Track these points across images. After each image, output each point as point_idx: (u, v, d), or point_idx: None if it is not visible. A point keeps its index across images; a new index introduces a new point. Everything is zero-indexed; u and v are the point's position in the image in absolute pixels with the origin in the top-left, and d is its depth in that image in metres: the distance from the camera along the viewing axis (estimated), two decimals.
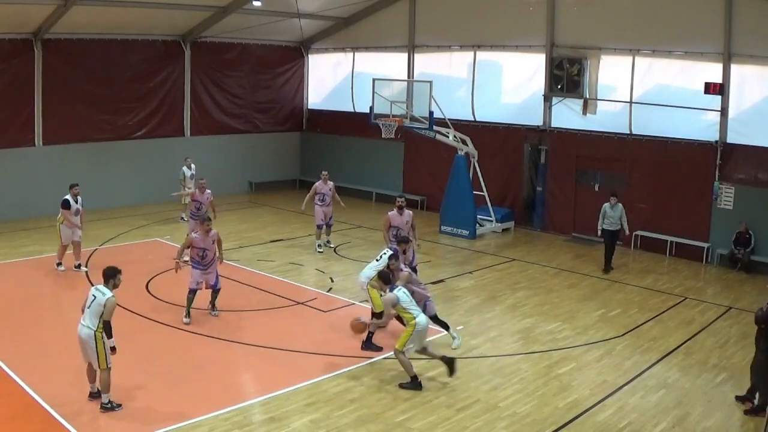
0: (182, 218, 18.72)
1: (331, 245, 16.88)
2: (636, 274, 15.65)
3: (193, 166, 19.20)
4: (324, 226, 16.48)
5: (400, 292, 9.59)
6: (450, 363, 9.60)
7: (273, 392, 9.20)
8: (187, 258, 12.33)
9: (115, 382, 9.33)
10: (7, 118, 18.68)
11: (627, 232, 15.85)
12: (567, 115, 19.16)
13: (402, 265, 10.74)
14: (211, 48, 22.78)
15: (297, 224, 18.73)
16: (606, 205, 15.72)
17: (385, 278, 9.76)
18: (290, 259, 15.55)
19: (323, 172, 16.71)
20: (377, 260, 11.20)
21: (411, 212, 13.55)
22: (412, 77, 21.89)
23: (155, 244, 16.67)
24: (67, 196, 14.26)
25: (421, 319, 9.53)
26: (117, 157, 20.70)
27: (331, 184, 16.57)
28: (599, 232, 15.95)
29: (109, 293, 8.39)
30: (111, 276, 8.52)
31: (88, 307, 8.44)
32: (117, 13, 18.75)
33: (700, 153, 16.87)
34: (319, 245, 16.48)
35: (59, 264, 14.36)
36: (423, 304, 10.37)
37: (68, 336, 11.20)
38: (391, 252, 11.10)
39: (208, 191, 15.44)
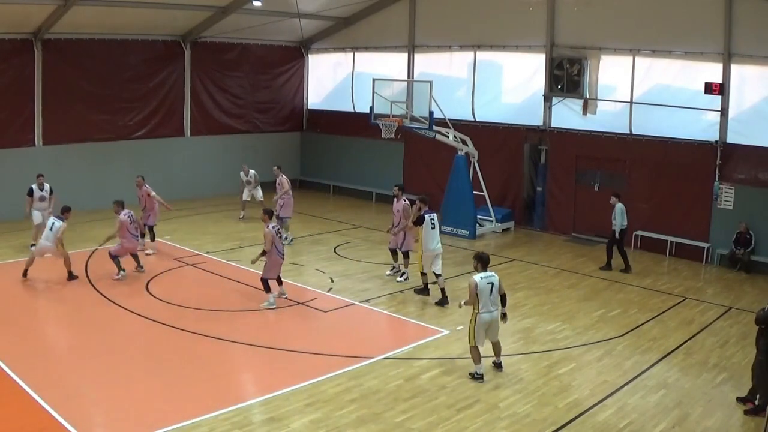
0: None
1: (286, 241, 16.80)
2: (636, 274, 15.63)
3: (251, 172, 19.69)
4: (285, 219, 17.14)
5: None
6: None
7: (273, 392, 9.20)
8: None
9: (116, 382, 9.35)
10: (7, 118, 18.69)
11: (615, 233, 15.63)
12: (567, 115, 19.16)
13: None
14: (211, 48, 22.79)
15: (297, 224, 18.71)
16: None
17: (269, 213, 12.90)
18: (290, 259, 15.52)
19: (274, 168, 17.90)
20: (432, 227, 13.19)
21: (406, 203, 14.29)
22: (412, 77, 21.90)
23: (155, 243, 16.63)
24: (33, 185, 15.93)
25: None
26: (117, 157, 20.70)
27: (281, 177, 17.45)
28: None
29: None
30: (489, 261, 10.05)
31: (491, 295, 9.67)
32: (117, 13, 18.76)
33: (700, 153, 16.87)
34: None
35: (33, 245, 15.21)
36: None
37: (68, 335, 11.25)
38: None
39: (146, 186, 16.08)
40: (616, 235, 15.66)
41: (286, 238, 16.82)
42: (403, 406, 8.99)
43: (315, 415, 8.66)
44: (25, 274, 13.58)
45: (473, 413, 8.86)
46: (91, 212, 18.44)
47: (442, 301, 12.91)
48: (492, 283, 9.73)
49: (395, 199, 14.65)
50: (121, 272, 13.86)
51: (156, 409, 8.70)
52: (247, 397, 9.18)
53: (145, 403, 8.81)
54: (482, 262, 9.90)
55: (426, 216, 13.20)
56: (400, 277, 14.37)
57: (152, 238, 16.11)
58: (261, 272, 12.78)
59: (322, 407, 8.86)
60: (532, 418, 8.77)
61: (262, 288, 12.69)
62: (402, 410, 8.87)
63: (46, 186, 16.07)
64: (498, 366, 10.08)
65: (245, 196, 19.78)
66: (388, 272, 14.67)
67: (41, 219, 15.56)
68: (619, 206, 15.63)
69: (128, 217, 13.97)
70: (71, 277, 13.76)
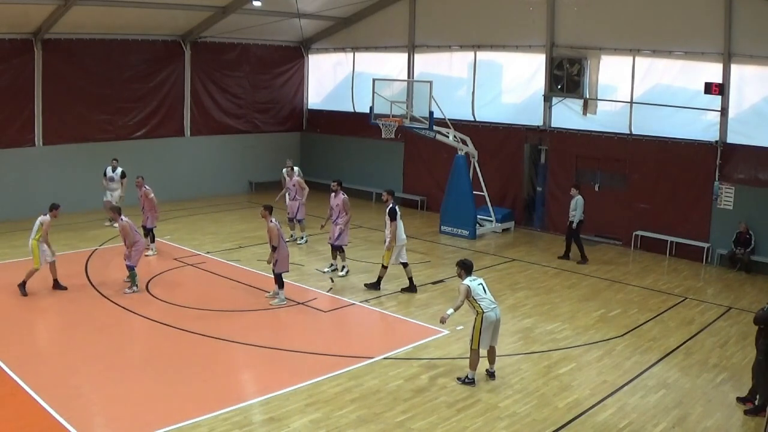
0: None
1: (299, 242, 17.21)
2: (636, 274, 15.65)
3: (296, 169, 18.28)
4: (293, 221, 17.23)
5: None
6: None
7: (273, 392, 9.20)
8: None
9: (116, 382, 9.35)
10: (7, 118, 18.69)
11: (573, 225, 16.31)
12: (567, 115, 19.16)
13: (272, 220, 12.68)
14: (211, 48, 22.79)
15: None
16: None
17: None
18: (290, 260, 15.51)
19: (285, 169, 17.73)
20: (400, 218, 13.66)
21: (344, 197, 14.69)
22: (412, 77, 21.90)
23: (154, 245, 16.64)
24: (108, 167, 18.05)
25: None
26: (117, 157, 20.63)
27: (296, 179, 17.24)
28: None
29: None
30: (473, 266, 9.93)
31: (486, 293, 9.65)
32: (117, 13, 18.76)
33: (700, 153, 16.87)
34: (291, 235, 17.17)
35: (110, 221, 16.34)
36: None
37: (68, 335, 11.25)
38: None
39: (146, 187, 16.01)
40: (573, 226, 16.24)
41: (302, 238, 17.29)
42: (403, 406, 8.99)
43: (315, 415, 8.66)
44: (22, 287, 12.90)
45: (473, 413, 8.86)
46: (91, 212, 18.46)
47: (411, 289, 13.61)
48: (481, 283, 9.72)
49: (333, 193, 14.94)
50: (134, 287, 13.15)
51: (156, 409, 8.70)
52: (247, 397, 9.17)
53: (145, 403, 8.81)
54: (466, 268, 9.78)
55: (396, 208, 13.63)
56: (342, 271, 14.67)
57: (152, 240, 16.09)
58: (272, 270, 12.84)
59: (322, 407, 8.86)
60: (532, 418, 8.77)
61: (276, 284, 12.81)
62: (402, 410, 8.87)
63: (118, 169, 17.96)
64: (491, 375, 9.89)
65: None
66: (326, 269, 14.89)
67: (110, 198, 17.58)
68: (579, 199, 16.17)
69: (128, 220, 13.57)
70: (57, 286, 13.18)
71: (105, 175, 17.99)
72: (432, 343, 11.17)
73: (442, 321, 9.73)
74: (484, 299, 9.59)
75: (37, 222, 13.09)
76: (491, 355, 9.89)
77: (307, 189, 17.32)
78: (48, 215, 13.15)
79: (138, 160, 20.99)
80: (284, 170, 18.38)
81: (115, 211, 13.63)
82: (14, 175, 18.77)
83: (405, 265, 13.70)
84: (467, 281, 9.64)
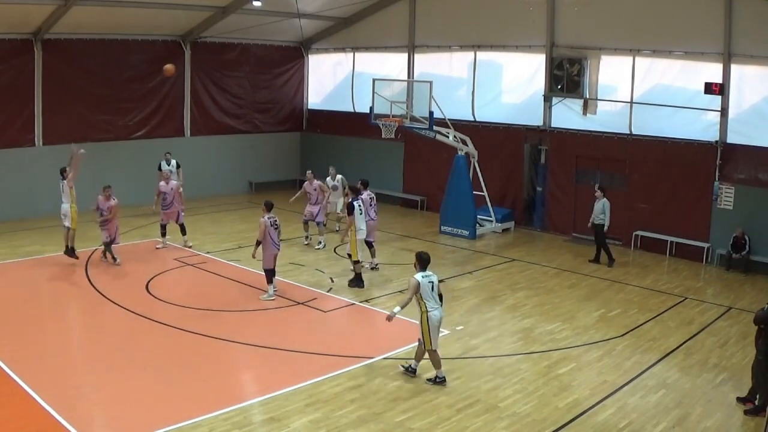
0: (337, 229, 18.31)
1: (317, 245, 17.05)
2: (636, 274, 15.65)
3: (339, 177, 17.87)
4: (308, 222, 17.28)
5: None
6: None
7: (273, 392, 9.20)
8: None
9: (116, 382, 9.35)
10: (7, 118, 18.70)
11: (605, 227, 16.17)
12: (567, 115, 19.16)
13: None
14: (211, 48, 22.79)
15: (297, 224, 18.67)
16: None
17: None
18: (290, 259, 15.55)
19: (308, 172, 17.58)
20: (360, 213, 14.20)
21: (319, 183, 16.92)
22: (412, 77, 21.90)
23: (155, 244, 16.66)
24: (162, 161, 18.71)
25: None
26: (117, 157, 20.69)
27: (316, 183, 17.13)
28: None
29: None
30: (428, 261, 9.81)
31: (432, 291, 9.56)
32: (117, 13, 18.76)
33: (700, 153, 16.87)
34: (306, 237, 17.46)
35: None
36: None
37: (68, 335, 11.25)
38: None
39: (173, 182, 16.67)
40: (605, 228, 16.17)
41: (319, 242, 17.15)
42: (403, 406, 8.99)
43: (315, 415, 8.66)
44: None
45: (473, 413, 8.86)
46: (91, 212, 18.42)
47: (359, 284, 13.86)
48: (432, 282, 9.62)
49: (308, 182, 16.84)
50: (118, 259, 14.86)
51: (156, 409, 8.70)
52: (247, 397, 9.17)
53: (145, 403, 8.81)
54: (421, 261, 9.72)
55: (354, 203, 14.05)
56: (318, 245, 16.59)
57: (183, 232, 16.67)
58: (262, 268, 13.11)
59: (322, 407, 8.86)
60: (532, 418, 8.78)
61: (265, 281, 13.03)
62: (402, 410, 8.88)
63: (173, 162, 18.66)
64: (439, 381, 9.65)
65: (339, 208, 17.68)
66: (366, 265, 14.99)
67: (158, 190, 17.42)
68: (606, 202, 16.08)
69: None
70: (69, 252, 14.56)
71: (160, 169, 18.12)
72: None
73: (389, 319, 9.77)
74: (429, 300, 9.54)
75: (65, 188, 14.50)
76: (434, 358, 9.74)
77: (325, 192, 17.23)
78: (65, 179, 14.55)
79: (138, 160, 21.04)
80: (327, 178, 17.90)
81: (108, 189, 14.73)
82: (14, 175, 18.77)
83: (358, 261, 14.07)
84: (418, 276, 9.57)
